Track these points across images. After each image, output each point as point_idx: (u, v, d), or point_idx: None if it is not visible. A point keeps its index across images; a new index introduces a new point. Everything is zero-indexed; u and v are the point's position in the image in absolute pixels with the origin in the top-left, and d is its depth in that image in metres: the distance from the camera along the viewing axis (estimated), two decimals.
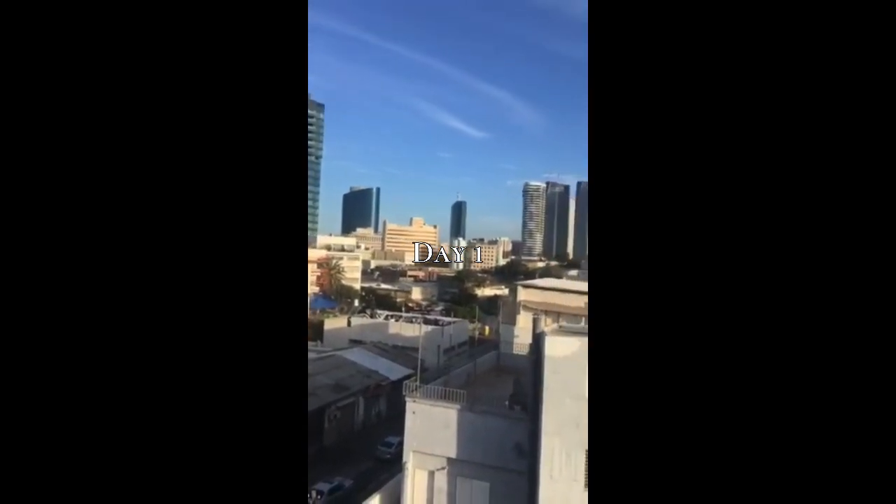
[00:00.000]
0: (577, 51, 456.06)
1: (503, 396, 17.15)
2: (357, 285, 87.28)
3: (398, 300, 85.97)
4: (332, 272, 79.81)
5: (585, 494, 13.86)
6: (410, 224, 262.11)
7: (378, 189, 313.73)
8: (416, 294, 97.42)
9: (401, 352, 41.57)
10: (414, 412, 17.06)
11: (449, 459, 16.71)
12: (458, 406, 16.55)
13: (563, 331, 16.81)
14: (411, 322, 49.96)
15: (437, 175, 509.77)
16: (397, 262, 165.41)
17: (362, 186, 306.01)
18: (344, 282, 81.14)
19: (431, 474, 17.04)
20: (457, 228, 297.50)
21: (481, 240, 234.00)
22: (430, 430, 16.81)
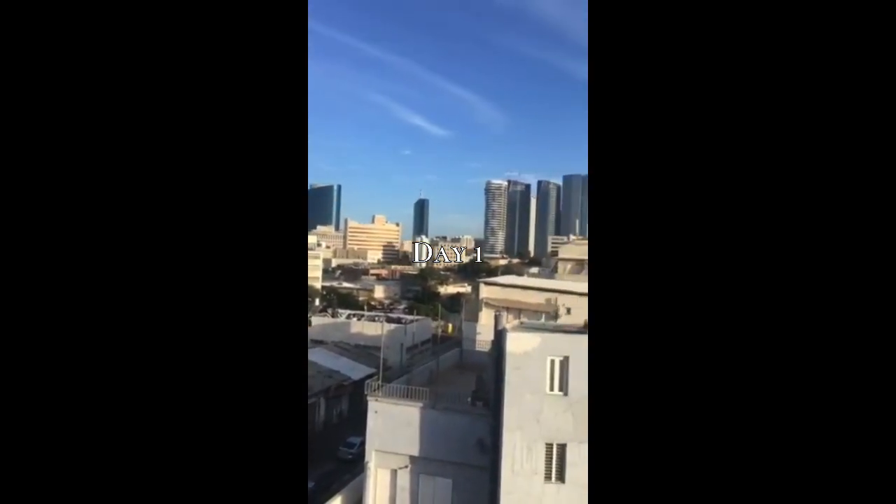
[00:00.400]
0: (539, 52, 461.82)
1: (466, 393, 17.29)
2: (318, 284, 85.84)
3: (360, 299, 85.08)
4: None
5: (545, 487, 14.18)
6: (373, 222, 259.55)
7: (339, 186, 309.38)
8: (379, 292, 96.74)
9: (363, 351, 41.19)
10: (376, 411, 16.96)
11: (412, 457, 16.71)
12: (420, 404, 16.57)
13: (523, 327, 17.10)
14: (374, 321, 49.56)
15: (399, 173, 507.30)
16: (359, 261, 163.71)
17: (323, 183, 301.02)
18: None
19: (394, 473, 17.00)
20: (420, 226, 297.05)
21: (444, 238, 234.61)
22: (393, 428, 16.76)
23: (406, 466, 16.81)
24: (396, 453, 16.85)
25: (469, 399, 16.87)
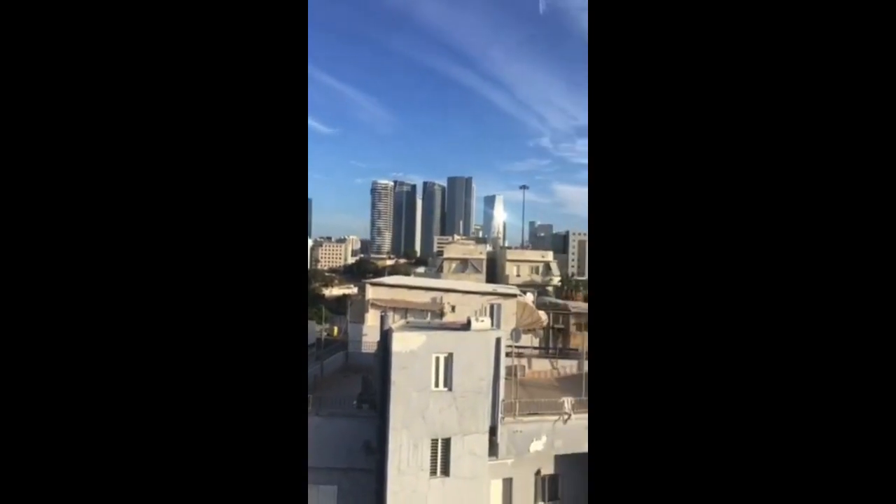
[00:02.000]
0: (425, 56, 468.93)
1: (352, 396, 16.96)
2: None
3: None
4: None
5: (431, 482, 14.45)
6: None
7: None
8: None
9: None
10: None
11: None
12: None
13: (409, 326, 17.23)
14: None
15: None
16: None
17: None
18: None
19: None
20: None
21: (329, 238, 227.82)
22: None
23: None
24: None
25: (355, 402, 16.57)
